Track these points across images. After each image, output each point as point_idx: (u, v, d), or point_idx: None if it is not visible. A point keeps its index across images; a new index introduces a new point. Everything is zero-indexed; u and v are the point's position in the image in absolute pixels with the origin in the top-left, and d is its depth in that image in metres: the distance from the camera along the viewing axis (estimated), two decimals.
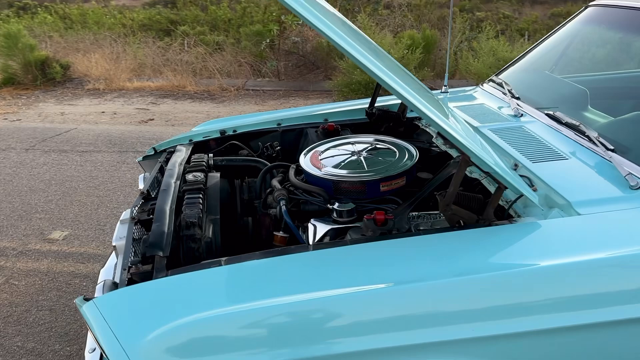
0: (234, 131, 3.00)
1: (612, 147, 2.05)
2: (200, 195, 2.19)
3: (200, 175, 2.34)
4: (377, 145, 2.54)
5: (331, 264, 1.65)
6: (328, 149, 2.55)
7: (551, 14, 14.42)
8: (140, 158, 3.02)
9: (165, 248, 1.84)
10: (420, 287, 1.51)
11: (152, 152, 2.99)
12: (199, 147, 2.93)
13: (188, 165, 2.49)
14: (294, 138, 3.04)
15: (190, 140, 2.95)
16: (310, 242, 2.12)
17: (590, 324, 1.54)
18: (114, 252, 2.30)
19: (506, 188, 1.83)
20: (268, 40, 9.10)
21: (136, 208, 2.29)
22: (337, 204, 2.15)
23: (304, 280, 1.59)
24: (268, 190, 2.47)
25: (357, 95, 7.81)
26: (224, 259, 1.70)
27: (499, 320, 1.52)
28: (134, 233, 2.08)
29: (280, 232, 2.26)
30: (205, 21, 12.01)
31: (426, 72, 8.12)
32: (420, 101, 1.69)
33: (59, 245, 4.08)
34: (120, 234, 2.26)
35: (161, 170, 2.62)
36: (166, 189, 2.20)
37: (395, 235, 1.83)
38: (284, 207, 2.20)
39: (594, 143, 2.12)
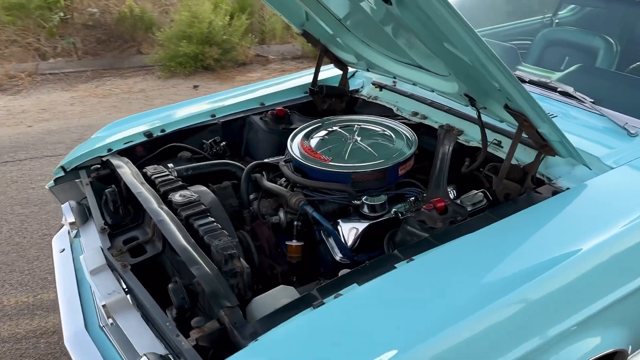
0: (162, 131, 2.49)
1: (592, 99, 2.21)
2: (212, 219, 1.78)
3: (188, 194, 1.89)
4: (362, 127, 2.36)
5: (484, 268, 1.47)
6: (311, 138, 2.27)
7: None
8: (52, 183, 2.32)
9: (230, 295, 1.45)
10: None
11: (62, 173, 2.33)
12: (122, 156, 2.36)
13: (157, 184, 1.99)
14: (237, 129, 2.65)
15: (110, 150, 2.36)
16: (350, 244, 1.90)
17: None
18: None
19: (553, 155, 1.84)
20: (61, 14, 7.74)
21: (112, 251, 1.76)
22: (366, 198, 1.94)
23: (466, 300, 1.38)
24: (256, 195, 2.13)
25: (186, 69, 7.20)
26: (316, 300, 1.38)
27: None
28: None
29: (294, 240, 1.98)
30: None
31: (251, 39, 7.84)
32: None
33: None
34: (105, 289, 1.71)
35: (111, 195, 2.05)
36: (162, 219, 1.73)
37: (482, 217, 1.69)
38: (315, 213, 1.91)
39: (572, 97, 2.26)
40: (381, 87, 2.80)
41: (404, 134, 2.27)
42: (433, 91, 2.30)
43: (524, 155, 2.08)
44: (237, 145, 2.66)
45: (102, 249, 1.82)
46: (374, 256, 1.95)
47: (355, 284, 1.43)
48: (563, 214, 1.70)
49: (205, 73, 7.36)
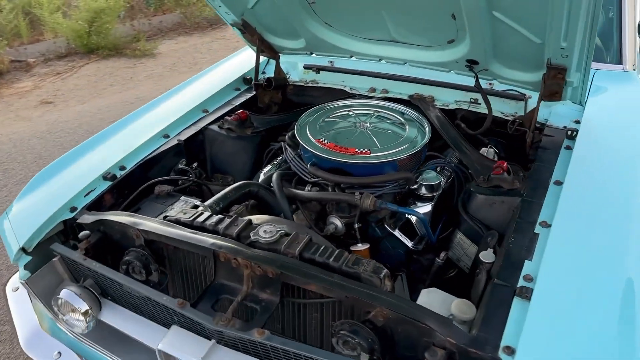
0: (122, 168, 2.00)
1: None
2: (328, 245, 1.58)
3: (271, 228, 1.59)
4: (358, 112, 2.26)
5: None
6: (316, 131, 2.09)
7: None
8: (24, 274, 1.68)
9: (435, 314, 1.33)
10: None
11: (24, 256, 1.72)
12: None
13: (210, 227, 1.62)
14: (199, 145, 2.27)
15: (74, 209, 1.82)
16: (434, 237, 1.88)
17: None
18: None
19: (559, 100, 2.08)
20: None
21: (220, 323, 1.43)
22: (422, 179, 1.92)
23: None
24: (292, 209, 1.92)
25: None
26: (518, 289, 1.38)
27: None
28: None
29: (359, 245, 1.87)
30: None
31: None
32: None
33: None
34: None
35: (140, 259, 1.61)
36: (284, 263, 1.45)
37: None
38: (401, 208, 1.80)
39: None
40: (318, 69, 2.68)
41: (400, 110, 2.26)
42: (409, 65, 2.32)
43: (504, 107, 2.29)
44: (202, 161, 2.27)
45: (204, 326, 1.42)
46: (440, 235, 1.97)
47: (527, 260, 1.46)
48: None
49: None
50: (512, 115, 2.30)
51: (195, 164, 2.18)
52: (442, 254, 1.88)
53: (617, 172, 1.88)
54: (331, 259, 1.47)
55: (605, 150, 1.97)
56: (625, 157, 1.96)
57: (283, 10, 2.20)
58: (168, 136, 2.18)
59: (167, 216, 1.69)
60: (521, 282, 1.42)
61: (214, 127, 2.30)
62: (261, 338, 1.35)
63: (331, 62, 2.67)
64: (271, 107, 2.62)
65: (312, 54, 2.53)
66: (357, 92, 2.53)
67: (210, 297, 1.53)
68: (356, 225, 1.90)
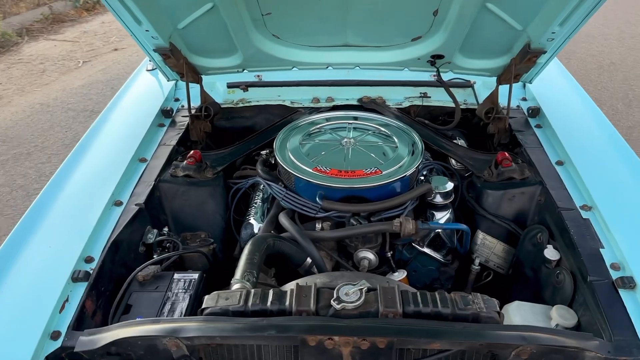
0: (88, 260, 1.53)
1: None
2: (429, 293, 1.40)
3: (355, 290, 1.34)
4: (329, 128, 2.03)
5: None
6: (307, 159, 1.84)
7: None
8: None
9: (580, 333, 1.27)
10: None
11: None
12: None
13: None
14: (156, 203, 1.84)
15: (57, 334, 1.35)
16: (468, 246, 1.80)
17: None
18: None
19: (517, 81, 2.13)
20: None
21: None
22: (435, 187, 1.82)
23: None
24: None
25: None
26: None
27: None
28: None
29: (396, 273, 1.73)
30: None
31: None
32: None
33: None
34: None
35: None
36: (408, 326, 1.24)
37: None
38: (444, 224, 1.67)
39: None
40: (247, 86, 2.37)
41: (369, 118, 2.11)
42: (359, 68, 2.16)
43: (458, 95, 2.29)
44: (162, 224, 1.83)
45: None
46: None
47: None
48: None
49: None
50: (465, 104, 2.31)
51: (165, 229, 1.76)
52: (476, 260, 1.80)
53: (599, 136, 2.00)
54: (439, 306, 1.28)
55: (573, 120, 2.09)
56: (591, 122, 2.10)
57: (226, 26, 1.86)
58: (121, 202, 1.71)
59: (206, 309, 1.31)
60: (613, 273, 1.41)
61: (167, 178, 1.87)
62: None
63: (259, 76, 2.39)
64: (203, 139, 2.24)
65: (243, 70, 2.21)
66: (301, 105, 2.30)
67: None
68: (389, 254, 1.72)
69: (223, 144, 2.18)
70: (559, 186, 1.74)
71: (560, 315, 1.41)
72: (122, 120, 2.15)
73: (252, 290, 1.33)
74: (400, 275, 1.69)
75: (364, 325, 1.22)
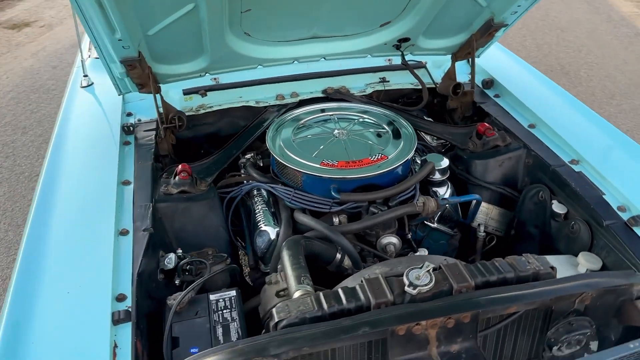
0: (120, 299, 1.40)
1: None
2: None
3: (421, 272, 1.35)
4: (313, 122, 2.00)
5: None
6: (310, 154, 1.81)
7: None
8: None
9: None
10: None
11: None
12: None
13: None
14: (159, 227, 1.69)
15: None
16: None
17: None
18: None
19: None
20: None
21: None
22: (436, 165, 1.89)
23: None
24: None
25: None
26: None
27: None
28: None
29: (419, 251, 1.78)
30: None
31: None
32: None
33: None
34: None
35: None
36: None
37: None
38: (458, 197, 1.74)
39: None
40: (206, 90, 2.24)
41: (347, 107, 2.12)
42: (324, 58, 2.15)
43: (408, 78, 2.37)
44: (167, 247, 1.69)
45: None
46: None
47: None
48: None
49: None
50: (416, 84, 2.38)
51: (179, 251, 1.62)
52: (481, 227, 1.90)
53: (556, 98, 2.18)
54: (504, 272, 1.34)
55: (527, 87, 2.26)
56: (541, 86, 2.29)
57: (199, 28, 1.75)
58: (127, 230, 1.54)
59: (289, 325, 1.23)
60: (623, 215, 1.57)
61: (160, 196, 1.73)
62: None
63: (215, 79, 2.27)
64: (172, 153, 2.09)
65: (205, 74, 2.10)
66: (267, 104, 2.23)
67: None
68: (409, 236, 1.75)
69: (186, 155, 2.06)
70: (542, 147, 1.89)
71: (587, 261, 1.54)
72: (84, 144, 1.93)
73: (321, 293, 1.29)
74: (422, 253, 1.73)
75: (450, 304, 1.23)
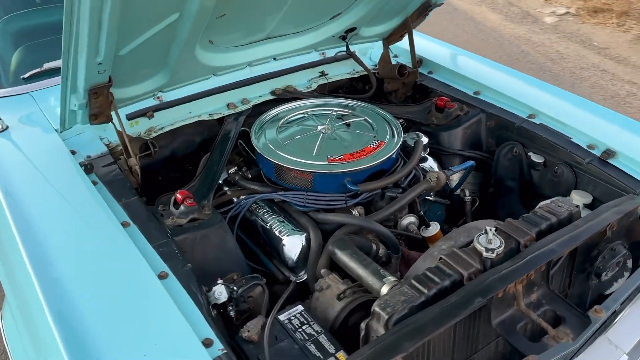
0: None
1: None
2: None
3: (488, 237, 1.43)
4: (293, 121, 1.96)
5: None
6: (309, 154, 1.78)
7: None
8: None
9: None
10: None
11: None
12: None
13: None
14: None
15: None
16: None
17: None
18: None
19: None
20: None
21: None
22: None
23: None
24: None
25: None
26: None
27: None
28: None
29: (431, 227, 1.88)
30: None
31: None
32: None
33: None
34: None
35: None
36: None
37: None
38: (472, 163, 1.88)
39: None
40: (153, 111, 2.03)
41: (317, 104, 2.11)
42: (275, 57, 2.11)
43: (344, 68, 2.43)
44: None
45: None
46: None
47: None
48: None
49: None
50: (357, 72, 2.45)
51: (219, 281, 1.47)
52: (466, 191, 2.04)
53: (486, 66, 2.40)
54: (549, 219, 1.47)
55: (454, 60, 2.46)
56: (466, 58, 2.50)
57: (169, 43, 1.60)
58: (166, 273, 1.36)
59: (402, 318, 1.21)
60: (594, 152, 1.81)
61: (171, 230, 1.56)
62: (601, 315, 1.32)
63: (159, 97, 2.07)
64: (140, 184, 1.88)
65: (158, 93, 1.92)
66: (221, 114, 2.11)
67: (518, 338, 1.30)
68: (421, 212, 1.82)
69: (147, 184, 1.88)
70: (498, 109, 2.09)
71: (580, 197, 1.76)
72: (51, 196, 1.63)
73: (412, 280, 1.30)
74: (435, 227, 1.81)
75: (533, 258, 1.33)
